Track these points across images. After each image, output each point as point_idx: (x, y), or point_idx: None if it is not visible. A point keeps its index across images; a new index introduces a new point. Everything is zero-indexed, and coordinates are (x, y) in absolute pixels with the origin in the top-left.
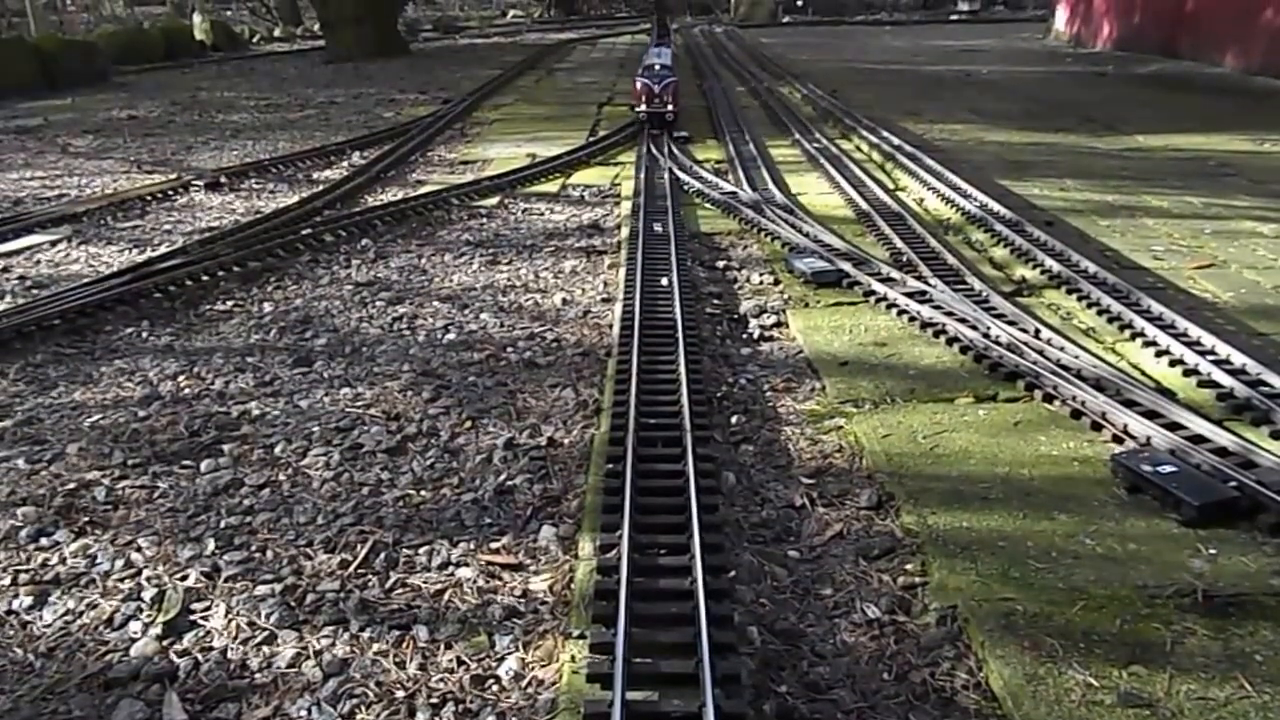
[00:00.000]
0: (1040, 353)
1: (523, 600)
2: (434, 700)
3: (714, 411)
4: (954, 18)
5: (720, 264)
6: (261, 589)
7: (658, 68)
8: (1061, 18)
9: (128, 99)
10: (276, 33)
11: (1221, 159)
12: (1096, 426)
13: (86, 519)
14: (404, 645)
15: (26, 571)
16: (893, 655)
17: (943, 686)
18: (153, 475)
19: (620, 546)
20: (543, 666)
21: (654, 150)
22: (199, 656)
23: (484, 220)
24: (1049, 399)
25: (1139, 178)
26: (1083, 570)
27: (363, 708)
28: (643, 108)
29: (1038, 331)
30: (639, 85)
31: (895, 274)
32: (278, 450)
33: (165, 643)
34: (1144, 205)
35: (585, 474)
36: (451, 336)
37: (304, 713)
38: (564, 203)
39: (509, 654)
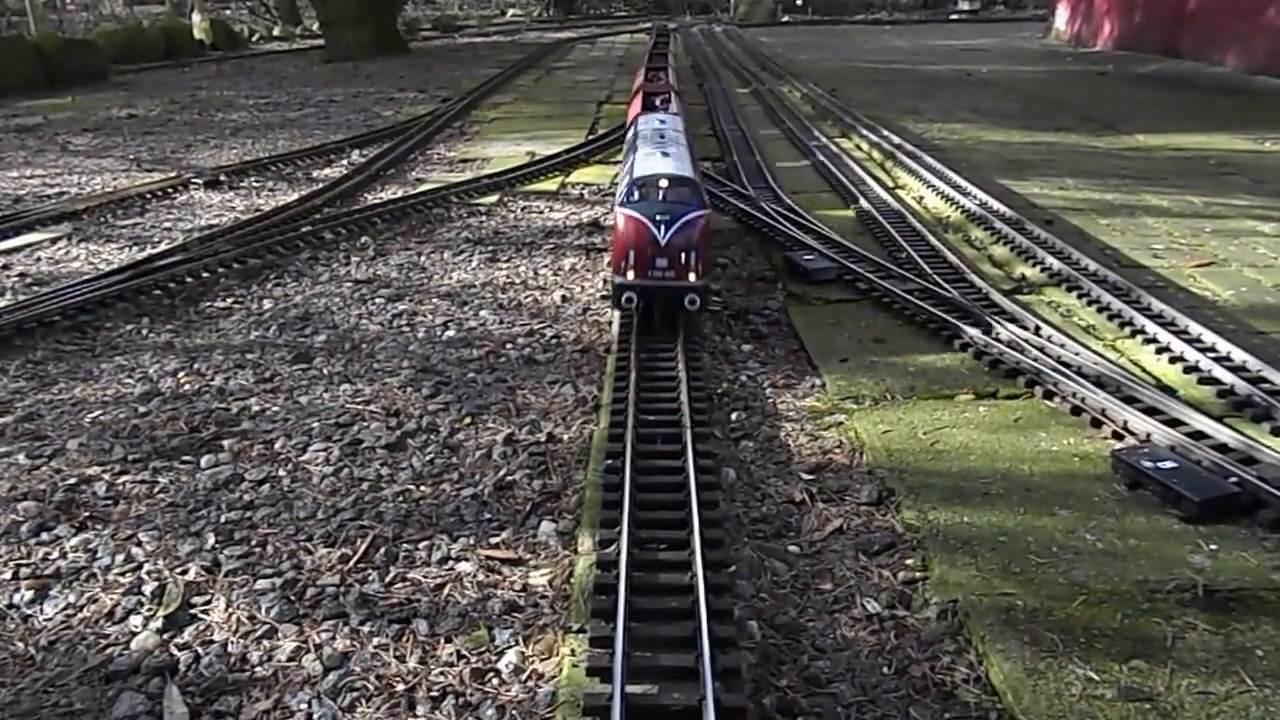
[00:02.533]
0: (1041, 350)
1: (522, 595)
2: (434, 694)
3: (714, 408)
4: (954, 17)
5: (720, 261)
6: (262, 583)
7: (664, 182)
8: (1062, 17)
9: (127, 98)
10: (276, 32)
11: (1222, 158)
12: (1097, 423)
13: (87, 514)
14: (404, 639)
15: (28, 566)
16: (893, 650)
17: (943, 681)
18: (153, 471)
19: (620, 541)
20: (543, 660)
21: None
22: (199, 650)
23: (483, 218)
24: (1049, 396)
25: (1139, 177)
26: (1083, 566)
27: (363, 701)
28: (630, 276)
29: (1038, 329)
30: (622, 224)
31: (895, 271)
32: (278, 446)
33: (166, 636)
34: (1144, 204)
35: (584, 470)
36: (451, 333)
37: (304, 706)
38: (563, 201)
39: (509, 648)
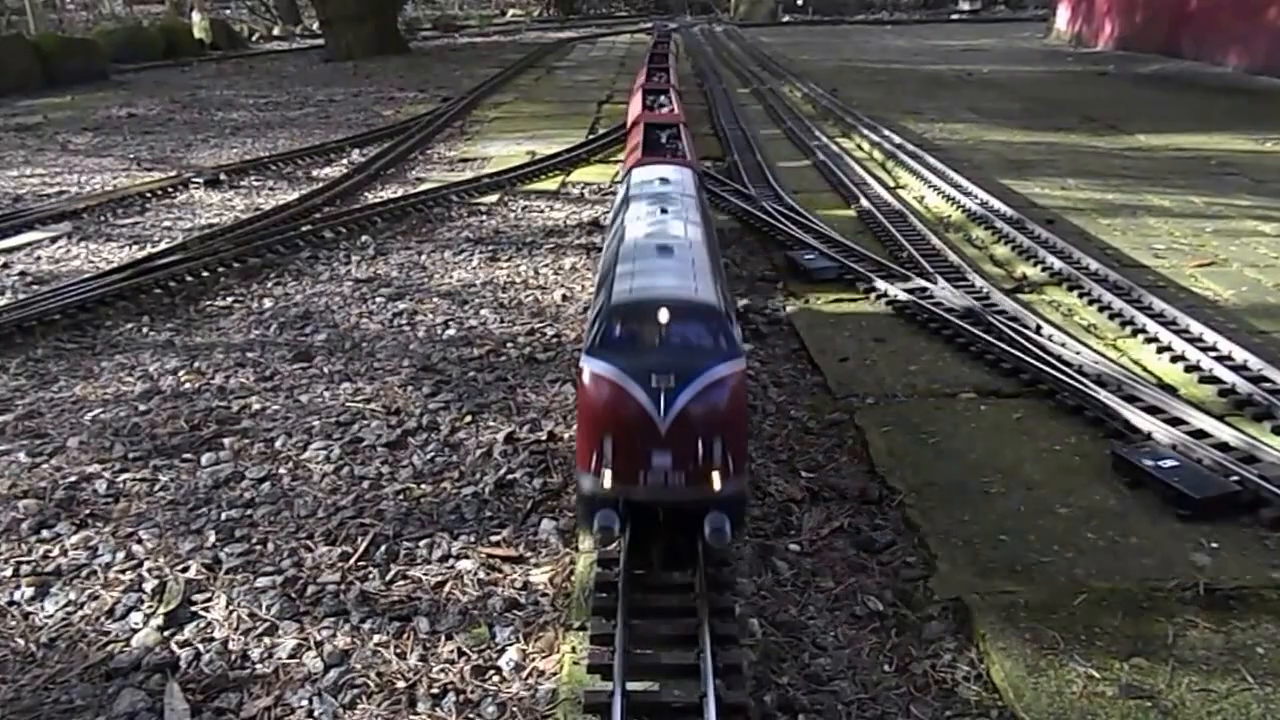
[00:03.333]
0: (1042, 349)
1: (523, 592)
2: (435, 691)
3: None
4: (954, 17)
5: (720, 260)
6: (262, 581)
7: (664, 315)
8: (1063, 17)
9: (127, 97)
10: (276, 31)
11: (1223, 158)
12: (1098, 422)
13: (88, 511)
14: (405, 637)
15: (28, 563)
16: (894, 647)
17: (944, 678)
18: (153, 469)
19: (620, 539)
20: (543, 658)
21: None
22: (200, 647)
23: (484, 217)
24: (1050, 394)
25: (1140, 177)
26: (1084, 564)
27: (364, 698)
28: (607, 482)
29: (1039, 328)
30: (592, 389)
31: (896, 270)
32: (278, 444)
33: (166, 633)
34: (1145, 204)
35: None
36: (451, 332)
37: (305, 703)
38: (564, 200)
39: (509, 645)
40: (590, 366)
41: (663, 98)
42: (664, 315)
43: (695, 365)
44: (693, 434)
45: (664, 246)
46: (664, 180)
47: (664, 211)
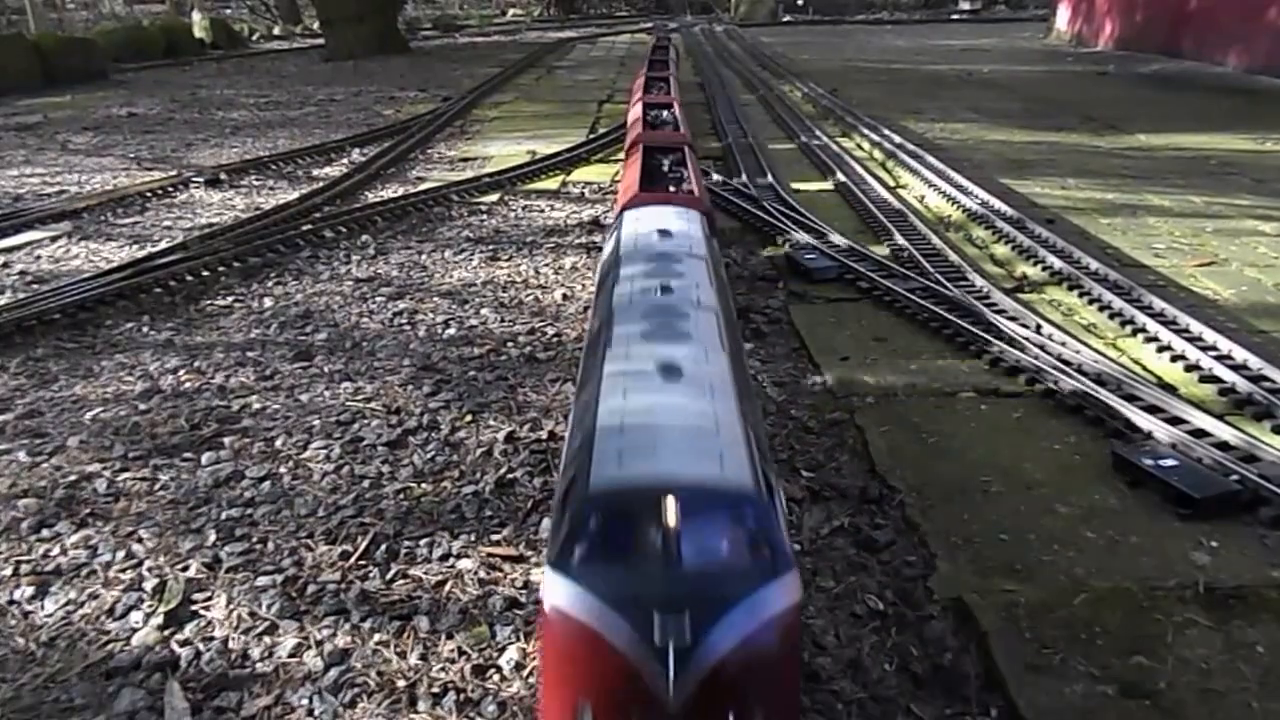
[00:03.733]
0: (1042, 348)
1: (524, 591)
2: (435, 690)
3: None
4: (955, 17)
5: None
6: (262, 580)
7: (671, 515)
8: (1063, 17)
9: (127, 96)
10: (276, 30)
11: (1224, 158)
12: (1098, 421)
13: (88, 511)
14: (405, 636)
15: (28, 562)
16: (894, 647)
17: (945, 678)
18: (153, 468)
19: None
20: None
21: None
22: (200, 646)
23: (484, 217)
24: (1050, 394)
25: (1141, 176)
26: (1084, 563)
27: (364, 697)
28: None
29: (1039, 327)
30: (559, 632)
31: (896, 270)
32: (278, 443)
33: (166, 632)
34: (1146, 204)
35: None
36: (452, 332)
37: (305, 702)
38: (564, 200)
39: (510, 644)
40: (554, 595)
41: (665, 113)
42: (671, 512)
43: (724, 596)
44: (721, 707)
45: (667, 367)
46: (665, 234)
47: (665, 291)
